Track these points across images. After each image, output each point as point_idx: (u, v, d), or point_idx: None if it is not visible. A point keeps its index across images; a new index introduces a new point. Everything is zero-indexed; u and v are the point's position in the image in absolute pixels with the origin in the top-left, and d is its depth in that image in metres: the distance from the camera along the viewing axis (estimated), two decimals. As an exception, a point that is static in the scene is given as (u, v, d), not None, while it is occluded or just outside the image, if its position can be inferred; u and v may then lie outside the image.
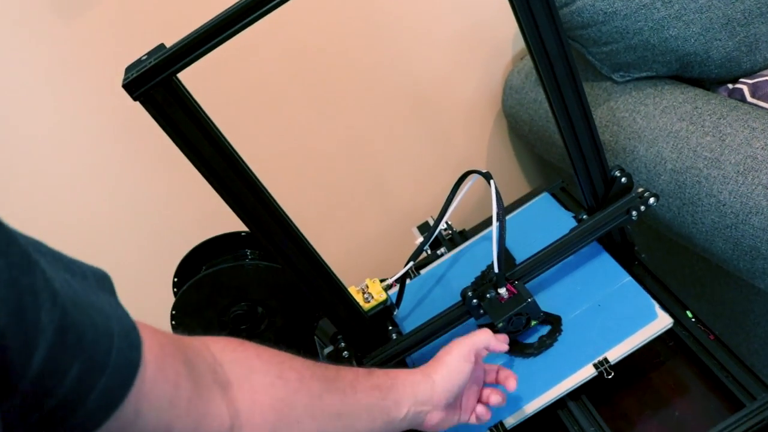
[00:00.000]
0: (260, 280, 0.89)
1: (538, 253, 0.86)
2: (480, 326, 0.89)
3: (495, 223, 0.84)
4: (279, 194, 0.78)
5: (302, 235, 0.78)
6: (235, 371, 0.51)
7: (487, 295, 0.83)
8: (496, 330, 0.82)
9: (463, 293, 0.84)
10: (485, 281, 0.86)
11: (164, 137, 0.68)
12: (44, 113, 1.05)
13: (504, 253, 0.84)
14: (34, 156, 1.07)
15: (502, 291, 0.83)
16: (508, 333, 0.83)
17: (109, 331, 0.39)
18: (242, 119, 1.18)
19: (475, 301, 0.84)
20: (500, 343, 0.75)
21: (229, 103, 1.15)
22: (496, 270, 0.83)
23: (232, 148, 0.71)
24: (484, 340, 0.72)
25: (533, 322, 0.84)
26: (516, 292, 0.83)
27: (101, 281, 0.43)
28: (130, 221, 1.18)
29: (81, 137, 1.09)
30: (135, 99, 0.64)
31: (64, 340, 0.35)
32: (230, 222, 0.80)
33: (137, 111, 0.66)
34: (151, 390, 0.42)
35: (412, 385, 0.66)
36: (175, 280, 0.93)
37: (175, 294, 0.91)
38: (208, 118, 0.68)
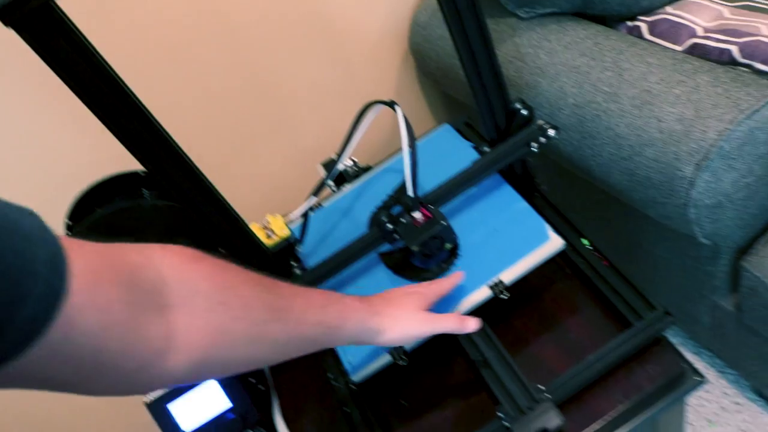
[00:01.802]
0: (159, 220, 0.86)
1: (444, 183, 0.86)
2: (382, 255, 0.90)
3: (406, 148, 0.83)
4: (179, 133, 0.75)
5: (201, 172, 0.76)
6: (179, 291, 0.49)
7: (402, 220, 0.83)
8: (407, 256, 0.82)
9: (376, 219, 0.83)
10: (395, 206, 0.84)
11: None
12: None
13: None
14: None
15: (417, 215, 0.83)
16: (423, 256, 0.83)
17: (32, 257, 0.37)
18: (139, 59, 1.12)
19: (389, 225, 0.83)
20: (450, 284, 0.79)
21: (123, 41, 1.09)
22: (410, 194, 0.82)
23: (123, 82, 0.67)
24: (439, 292, 0.76)
25: (447, 245, 0.84)
26: (431, 216, 0.83)
27: (25, 210, 0.41)
28: (17, 160, 1.12)
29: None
30: (8, 26, 0.60)
31: None
32: (128, 162, 0.77)
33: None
34: (80, 317, 0.40)
35: (360, 332, 0.66)
36: (69, 222, 0.89)
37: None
38: (94, 49, 0.64)
